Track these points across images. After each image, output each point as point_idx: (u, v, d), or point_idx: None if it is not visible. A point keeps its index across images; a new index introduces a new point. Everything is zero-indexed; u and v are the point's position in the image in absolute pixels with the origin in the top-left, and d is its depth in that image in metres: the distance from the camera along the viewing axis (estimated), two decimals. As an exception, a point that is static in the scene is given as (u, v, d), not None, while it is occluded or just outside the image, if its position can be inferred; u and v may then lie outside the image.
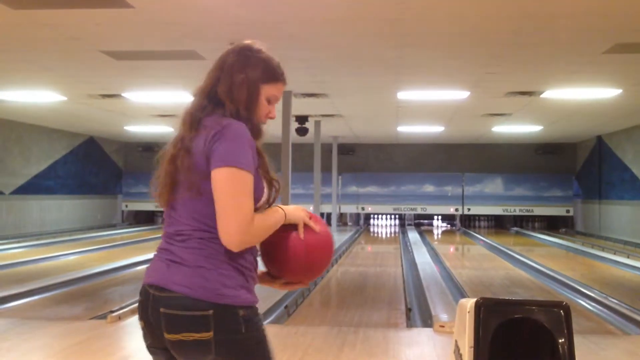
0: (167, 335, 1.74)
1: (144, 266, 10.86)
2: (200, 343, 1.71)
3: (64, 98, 11.55)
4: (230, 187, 1.72)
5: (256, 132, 1.91)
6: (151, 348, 1.84)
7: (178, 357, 1.77)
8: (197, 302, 1.71)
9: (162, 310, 1.74)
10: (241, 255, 1.79)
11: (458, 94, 10.68)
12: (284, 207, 1.90)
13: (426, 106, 12.20)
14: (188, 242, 1.79)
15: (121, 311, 5.98)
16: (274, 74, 1.96)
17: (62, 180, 17.91)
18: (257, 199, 1.79)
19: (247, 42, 1.99)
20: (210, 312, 1.71)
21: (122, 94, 11.10)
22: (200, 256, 1.76)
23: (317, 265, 1.95)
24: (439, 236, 19.01)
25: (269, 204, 1.88)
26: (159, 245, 1.88)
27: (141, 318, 1.83)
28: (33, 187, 16.54)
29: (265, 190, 1.86)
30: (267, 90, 1.94)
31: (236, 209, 1.71)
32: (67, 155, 18.13)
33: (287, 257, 1.89)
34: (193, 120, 1.88)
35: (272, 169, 1.92)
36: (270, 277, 1.98)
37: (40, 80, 9.96)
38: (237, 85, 1.89)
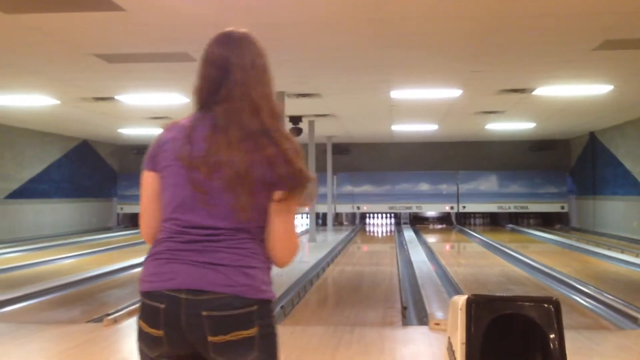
0: (212, 338, 1.66)
1: (140, 268, 10.93)
2: (247, 340, 1.67)
3: (57, 102, 11.54)
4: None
5: None
6: (163, 358, 1.72)
7: (225, 354, 1.67)
8: (243, 300, 1.68)
9: (204, 313, 1.66)
10: (267, 253, 1.79)
11: (450, 92, 10.71)
12: None
13: (419, 105, 12.23)
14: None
15: (117, 314, 5.98)
16: None
17: (56, 184, 17.88)
18: None
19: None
20: (255, 307, 1.69)
21: (116, 97, 11.09)
22: (241, 256, 1.72)
23: None
24: (435, 234, 19.04)
25: None
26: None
27: (160, 327, 1.68)
28: (27, 191, 16.51)
29: None
30: None
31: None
32: (61, 159, 18.09)
33: None
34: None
35: None
36: None
37: (33, 84, 9.95)
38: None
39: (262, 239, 1.77)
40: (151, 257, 1.76)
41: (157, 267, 1.73)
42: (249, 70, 1.79)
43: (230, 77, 1.79)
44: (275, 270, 1.83)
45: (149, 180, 1.83)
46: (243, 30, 1.86)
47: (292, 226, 1.79)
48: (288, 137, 1.77)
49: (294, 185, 1.72)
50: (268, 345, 1.72)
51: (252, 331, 1.67)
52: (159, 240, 1.77)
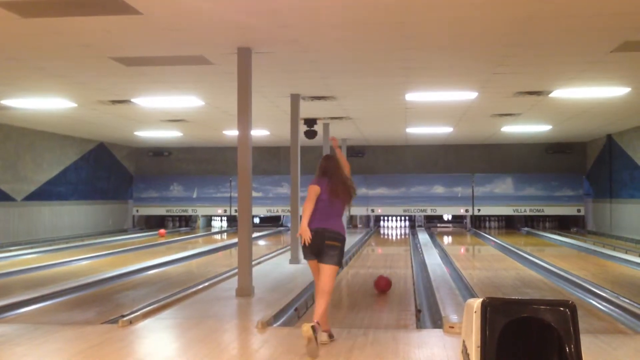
0: (326, 242, 5.12)
1: (155, 270, 10.98)
2: (336, 246, 5.17)
3: (75, 104, 11.64)
4: None
5: None
6: (309, 250, 5.18)
7: (327, 250, 5.13)
8: (336, 232, 5.21)
9: (326, 234, 5.14)
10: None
11: (466, 95, 10.68)
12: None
13: (435, 107, 12.20)
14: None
15: (132, 315, 6.03)
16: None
17: (73, 186, 18.04)
18: None
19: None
20: (340, 236, 5.25)
21: (132, 100, 11.18)
22: (337, 217, 5.32)
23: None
24: (449, 237, 18.96)
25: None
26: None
27: (313, 237, 5.11)
28: (45, 193, 16.67)
29: None
30: None
31: None
32: (78, 161, 18.26)
33: None
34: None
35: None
36: None
37: (51, 87, 10.06)
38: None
39: (342, 212, 5.35)
40: (313, 216, 5.18)
41: (313, 220, 5.16)
42: (334, 168, 5.42)
43: (329, 170, 5.39)
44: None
45: (316, 188, 5.27)
46: (333, 155, 5.60)
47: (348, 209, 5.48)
48: (352, 184, 5.47)
49: (351, 199, 5.44)
50: (341, 249, 5.23)
51: (338, 242, 5.19)
52: (315, 210, 5.20)
